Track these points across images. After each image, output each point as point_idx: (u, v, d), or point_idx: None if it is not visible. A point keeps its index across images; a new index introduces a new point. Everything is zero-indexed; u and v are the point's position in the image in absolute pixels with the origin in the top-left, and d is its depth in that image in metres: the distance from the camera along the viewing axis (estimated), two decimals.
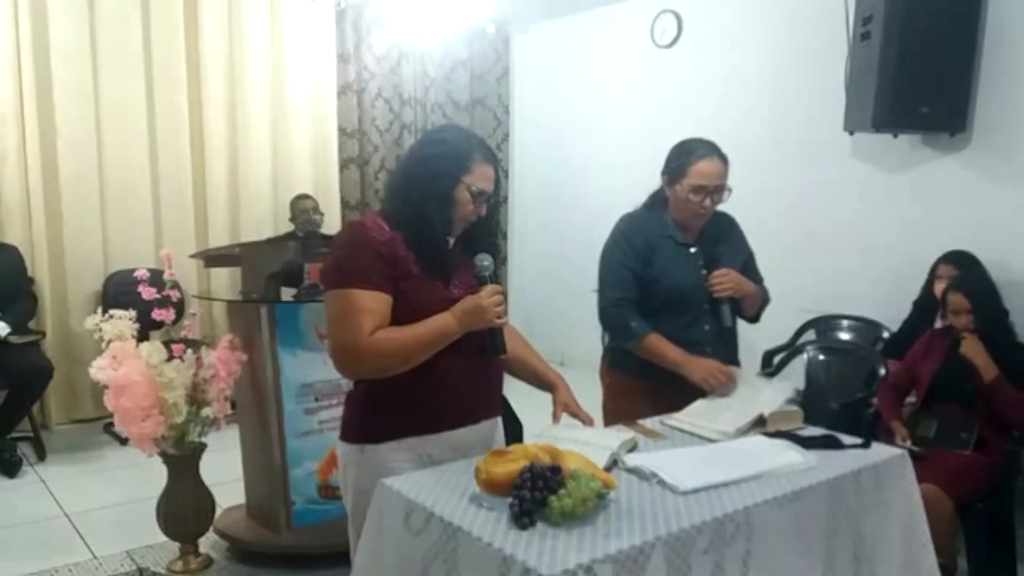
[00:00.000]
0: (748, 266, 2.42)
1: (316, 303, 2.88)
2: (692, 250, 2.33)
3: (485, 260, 1.74)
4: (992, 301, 2.82)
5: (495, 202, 1.83)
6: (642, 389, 2.27)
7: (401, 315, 1.68)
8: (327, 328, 1.73)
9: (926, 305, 3.41)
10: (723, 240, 2.36)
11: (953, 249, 3.42)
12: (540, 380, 1.93)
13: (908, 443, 2.68)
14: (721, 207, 2.35)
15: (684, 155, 2.27)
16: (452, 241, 1.78)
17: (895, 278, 3.87)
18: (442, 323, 1.67)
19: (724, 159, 2.26)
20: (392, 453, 1.71)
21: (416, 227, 1.70)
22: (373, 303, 1.65)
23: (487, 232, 1.83)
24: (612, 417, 2.28)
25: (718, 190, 2.25)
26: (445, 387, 1.72)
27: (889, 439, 2.71)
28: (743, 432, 1.89)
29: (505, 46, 6.11)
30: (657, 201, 2.38)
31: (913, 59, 3.51)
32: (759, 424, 1.93)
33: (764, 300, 2.42)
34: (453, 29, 5.65)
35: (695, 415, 2.00)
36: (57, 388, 4.33)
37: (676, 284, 2.29)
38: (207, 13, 4.75)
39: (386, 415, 1.73)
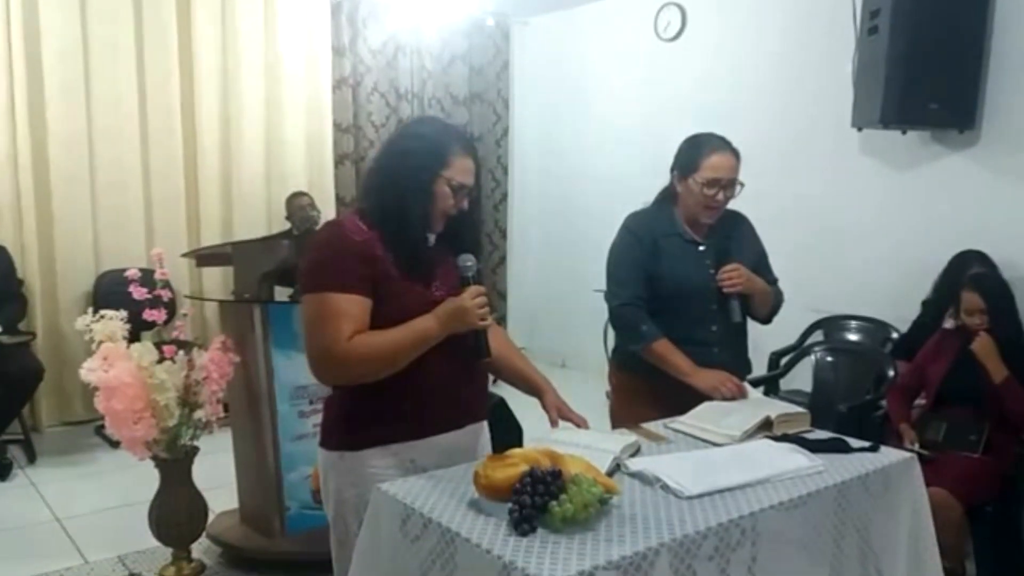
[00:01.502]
0: (760, 265, 2.37)
1: None
2: (701, 248, 2.29)
3: (468, 260, 1.70)
4: (1007, 303, 2.79)
5: (477, 196, 1.78)
6: (651, 391, 2.23)
7: (382, 318, 1.63)
8: (304, 333, 1.68)
9: (936, 304, 3.38)
10: (733, 238, 2.32)
11: (969, 248, 3.39)
12: (527, 384, 1.90)
13: (916, 446, 2.64)
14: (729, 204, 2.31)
15: (695, 149, 2.24)
16: (433, 238, 1.74)
17: (904, 277, 3.85)
18: (423, 326, 1.63)
19: (736, 153, 2.24)
20: (374, 459, 1.68)
21: (394, 225, 1.65)
22: (351, 307, 1.61)
23: (470, 228, 1.79)
24: (620, 419, 2.24)
25: (731, 184, 2.22)
26: (428, 392, 1.69)
27: (897, 442, 2.67)
28: (749, 435, 1.86)
29: (504, 39, 6.08)
30: (666, 198, 2.34)
31: (921, 54, 3.49)
32: (766, 427, 1.90)
33: (777, 301, 2.38)
34: (451, 22, 5.64)
35: (700, 418, 1.97)
36: (48, 390, 4.31)
37: (682, 282, 2.25)
38: (200, 7, 4.73)
39: (367, 421, 1.69)
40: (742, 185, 2.24)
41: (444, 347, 1.65)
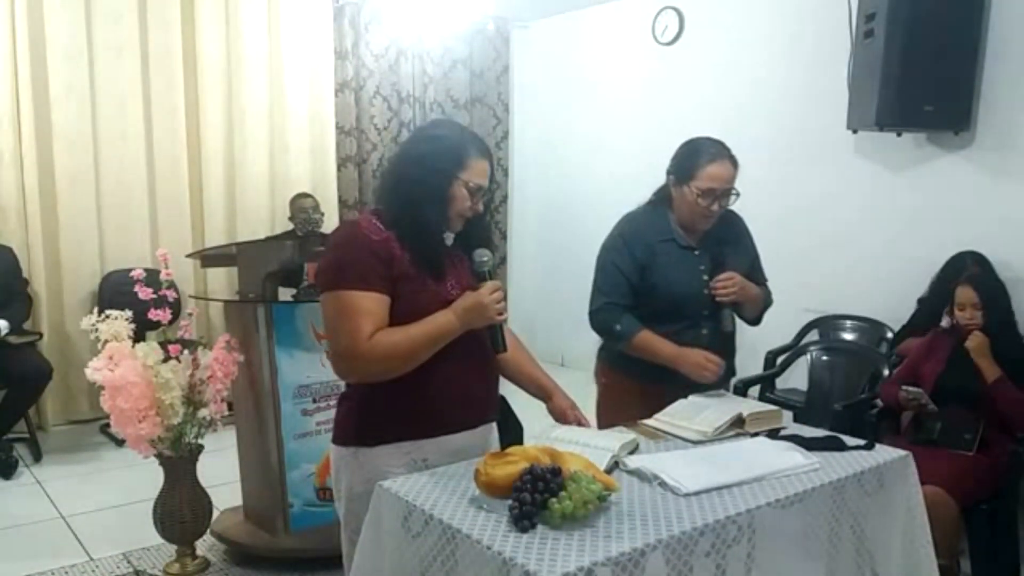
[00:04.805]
0: (754, 267, 2.35)
1: (314, 303, 2.86)
2: (696, 253, 2.26)
3: (484, 256, 1.71)
4: (1002, 302, 2.80)
5: (490, 197, 1.80)
6: (638, 389, 2.21)
7: (398, 317, 1.64)
8: (325, 331, 1.70)
9: (931, 303, 3.40)
10: (728, 241, 2.29)
11: (964, 249, 3.40)
12: (535, 386, 1.92)
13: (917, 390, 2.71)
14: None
15: (694, 155, 2.19)
16: (451, 238, 1.75)
17: (899, 278, 3.86)
18: (442, 321, 1.64)
19: (735, 162, 2.19)
20: (387, 457, 1.68)
21: (412, 227, 1.67)
22: (371, 304, 1.62)
23: (482, 227, 1.81)
24: (607, 417, 2.23)
25: (726, 194, 2.18)
26: (441, 392, 1.69)
27: (892, 439, 2.69)
28: (721, 431, 1.88)
29: (505, 43, 6.09)
30: (662, 200, 2.31)
31: (917, 57, 3.49)
32: (738, 424, 1.91)
33: (766, 303, 2.37)
34: (452, 26, 5.64)
35: (674, 415, 1.98)
36: (53, 389, 4.31)
37: (676, 290, 2.22)
38: (204, 10, 4.74)
39: (381, 418, 1.70)
40: (737, 194, 2.20)
41: (458, 348, 1.66)
